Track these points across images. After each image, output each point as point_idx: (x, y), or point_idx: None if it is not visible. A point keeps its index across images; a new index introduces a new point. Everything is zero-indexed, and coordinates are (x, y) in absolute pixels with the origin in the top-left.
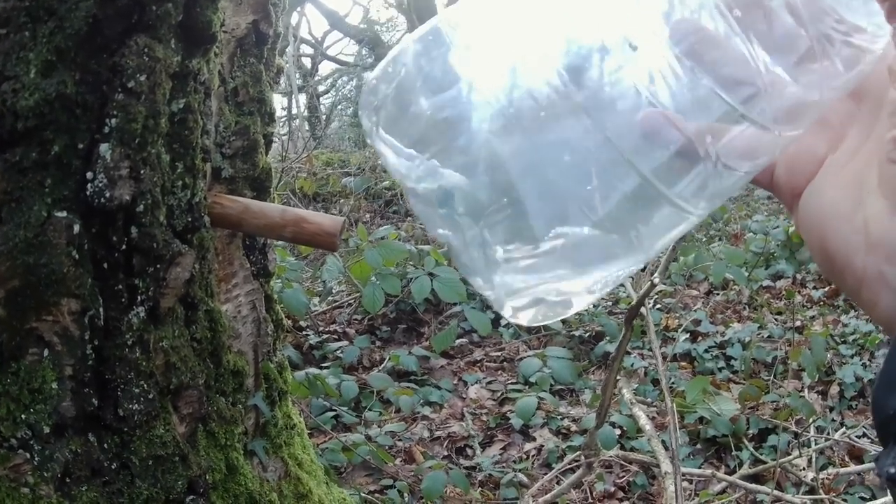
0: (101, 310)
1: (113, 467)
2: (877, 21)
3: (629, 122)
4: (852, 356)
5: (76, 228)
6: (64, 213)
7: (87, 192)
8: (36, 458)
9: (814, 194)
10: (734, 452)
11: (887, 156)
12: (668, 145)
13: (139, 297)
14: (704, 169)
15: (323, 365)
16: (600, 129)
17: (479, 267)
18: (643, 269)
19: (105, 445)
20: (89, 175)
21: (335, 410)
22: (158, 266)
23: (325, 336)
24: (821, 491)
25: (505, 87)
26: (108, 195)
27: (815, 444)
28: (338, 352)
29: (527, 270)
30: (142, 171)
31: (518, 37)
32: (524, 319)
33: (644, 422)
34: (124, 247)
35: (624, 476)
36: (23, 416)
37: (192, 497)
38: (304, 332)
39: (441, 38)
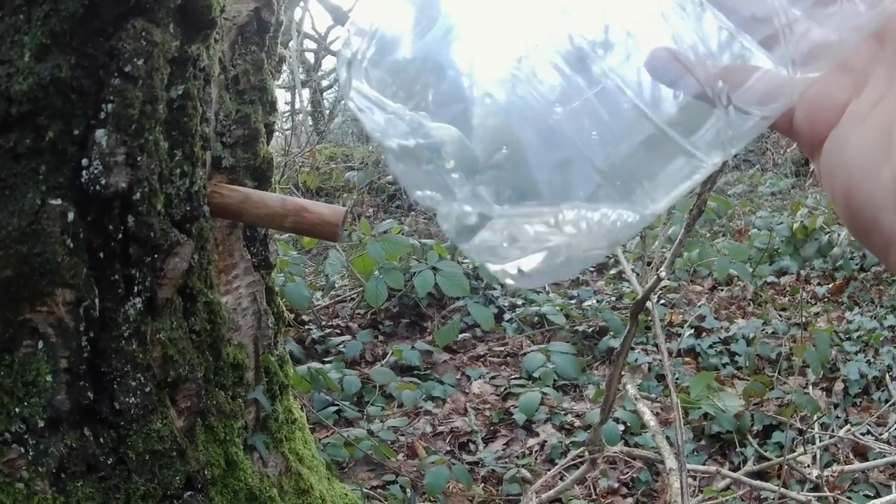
0: (96, 300)
1: (109, 462)
2: None
3: (639, 65)
4: (857, 353)
5: (71, 216)
6: (58, 201)
7: (83, 180)
8: (30, 453)
9: (836, 145)
10: (738, 449)
11: None
12: (675, 83)
13: (136, 288)
14: (717, 114)
15: (325, 359)
16: (609, 71)
17: (469, 229)
18: (649, 265)
19: (101, 440)
20: (85, 162)
21: (337, 405)
22: (156, 256)
23: (327, 330)
24: (825, 488)
25: (503, 31)
26: (103, 182)
27: (820, 440)
28: (340, 346)
29: (527, 227)
30: (139, 158)
31: None
32: (527, 281)
33: (648, 418)
34: (121, 236)
35: (628, 472)
36: (17, 410)
37: (190, 493)
38: (306, 327)
39: None
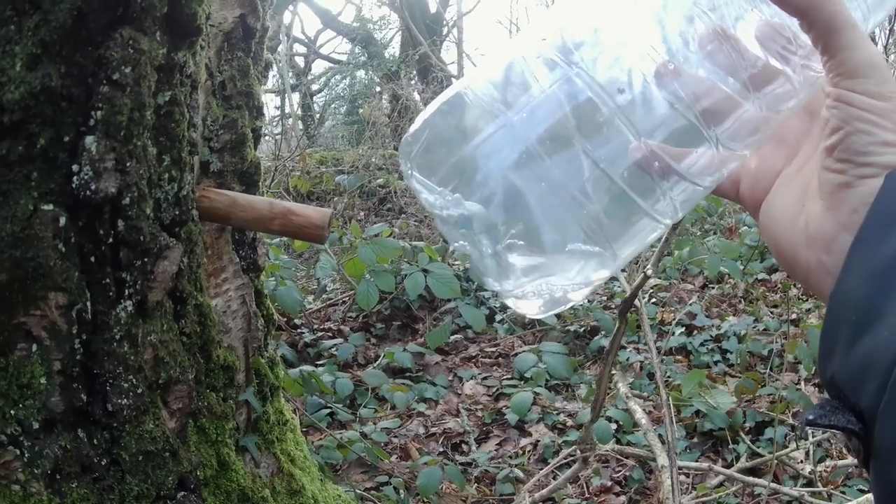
0: (88, 304)
1: (103, 463)
2: None
3: (618, 151)
4: None
5: (62, 221)
6: (50, 207)
7: (74, 185)
8: (26, 455)
9: (769, 203)
10: (731, 446)
11: (822, 164)
12: (649, 167)
13: (127, 291)
14: (674, 184)
15: (318, 362)
16: (594, 161)
17: (492, 272)
18: (636, 262)
19: (94, 441)
20: (75, 168)
21: (330, 408)
22: (146, 259)
23: (319, 334)
24: (819, 483)
25: (511, 137)
26: (93, 188)
27: (813, 436)
28: (332, 349)
29: (533, 274)
30: (128, 164)
31: (516, 99)
32: (530, 311)
33: (640, 416)
34: (111, 240)
35: (620, 470)
36: (12, 412)
37: (183, 493)
38: (298, 330)
39: (461, 100)
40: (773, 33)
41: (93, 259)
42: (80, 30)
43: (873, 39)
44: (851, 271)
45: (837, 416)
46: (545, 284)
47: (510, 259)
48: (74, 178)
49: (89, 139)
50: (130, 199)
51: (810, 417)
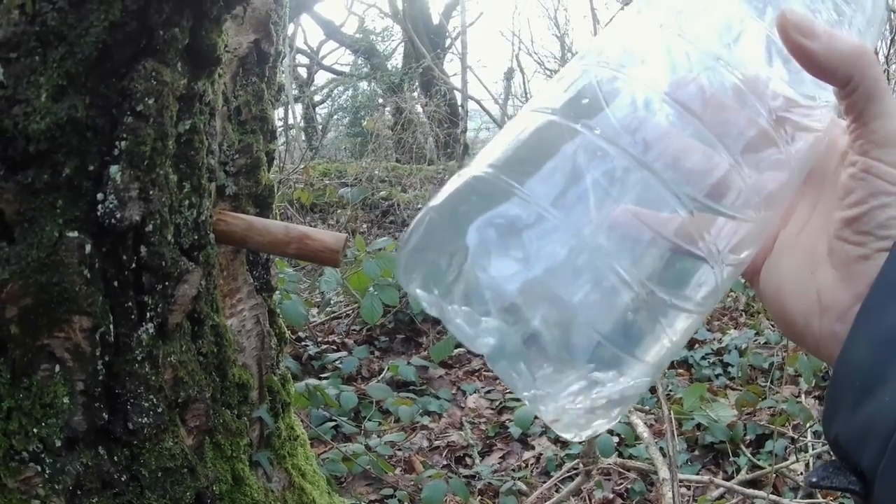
0: (111, 326)
1: (123, 479)
2: (817, 94)
3: (630, 247)
4: None
5: (88, 248)
6: (76, 234)
7: (98, 213)
8: (47, 471)
9: (771, 269)
10: (732, 458)
11: (836, 233)
12: (677, 248)
13: (148, 314)
14: (704, 268)
15: (322, 375)
16: (608, 267)
17: (519, 384)
18: None
19: (115, 458)
20: (100, 196)
21: (335, 421)
22: (167, 283)
23: (323, 347)
24: (818, 496)
25: (512, 250)
26: (118, 216)
27: (813, 448)
28: (337, 362)
29: (558, 388)
30: (151, 192)
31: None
32: (568, 432)
33: (642, 429)
34: (134, 265)
35: (622, 483)
36: (35, 430)
37: None
38: (302, 343)
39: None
40: (768, 93)
41: (116, 284)
42: (104, 62)
43: (876, 52)
44: (856, 339)
45: (839, 477)
46: (581, 402)
47: (537, 373)
48: (99, 206)
49: (114, 168)
50: (153, 226)
51: (814, 480)
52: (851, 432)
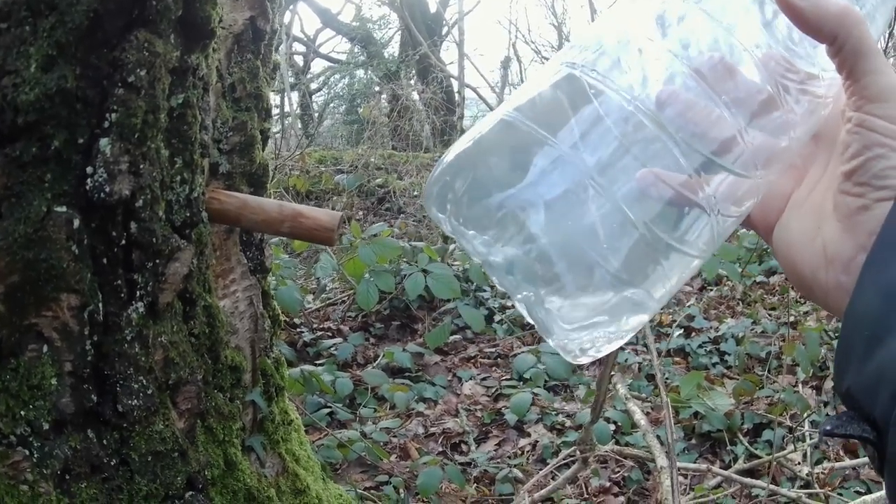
0: (100, 305)
1: (112, 463)
2: (824, 65)
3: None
4: None
5: (76, 223)
6: (64, 208)
7: (87, 187)
8: (35, 455)
9: (783, 227)
10: (729, 447)
11: (839, 187)
12: (662, 199)
13: (138, 293)
14: (704, 217)
15: (317, 362)
16: (614, 203)
17: (543, 320)
18: None
19: (104, 441)
20: (89, 170)
21: (330, 407)
22: (157, 261)
23: (319, 333)
24: (816, 485)
25: (538, 187)
26: (107, 190)
27: (810, 438)
28: (332, 349)
29: (574, 320)
30: (141, 166)
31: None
32: (583, 359)
33: (639, 417)
34: (124, 242)
35: (619, 471)
36: (22, 413)
37: (191, 493)
38: (298, 330)
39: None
40: (772, 62)
41: (105, 261)
42: (95, 32)
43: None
44: (864, 290)
45: (853, 425)
46: (587, 332)
47: (553, 303)
48: (88, 180)
49: (104, 141)
50: (143, 202)
51: (828, 428)
52: (863, 382)
